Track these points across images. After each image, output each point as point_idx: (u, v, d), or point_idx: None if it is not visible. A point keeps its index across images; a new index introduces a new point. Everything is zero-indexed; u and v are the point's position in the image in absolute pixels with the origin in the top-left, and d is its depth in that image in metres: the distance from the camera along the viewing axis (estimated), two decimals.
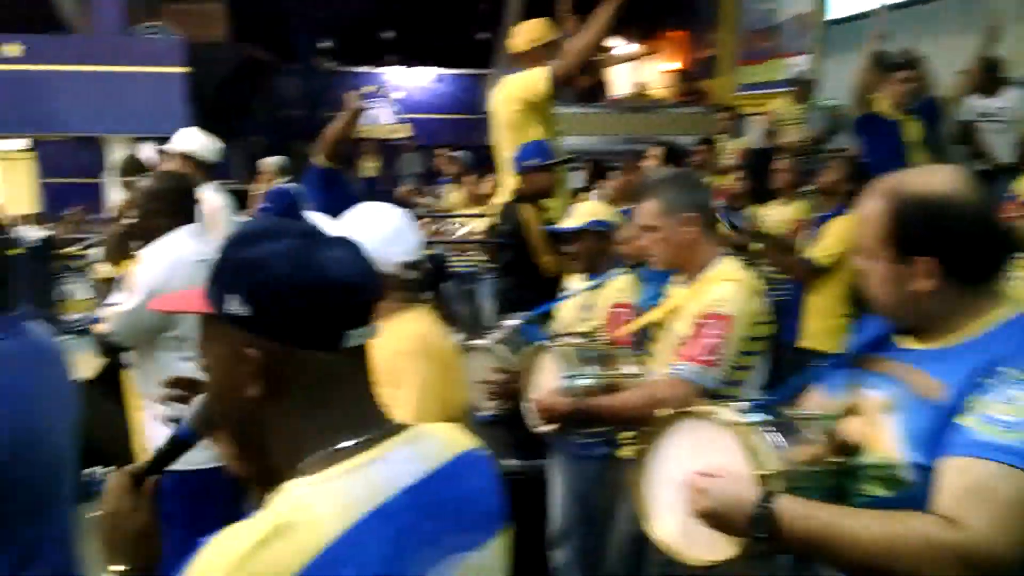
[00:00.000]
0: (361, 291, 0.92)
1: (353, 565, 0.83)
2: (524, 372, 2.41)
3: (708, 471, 1.37)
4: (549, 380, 2.30)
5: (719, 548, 1.40)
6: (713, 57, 11.52)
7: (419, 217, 6.51)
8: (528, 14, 4.20)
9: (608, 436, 2.89)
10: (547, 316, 3.01)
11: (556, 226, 3.29)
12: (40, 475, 1.78)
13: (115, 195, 10.41)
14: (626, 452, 4.23)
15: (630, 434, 2.29)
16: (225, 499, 2.69)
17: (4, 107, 9.98)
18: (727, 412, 1.47)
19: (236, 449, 1.00)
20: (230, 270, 0.90)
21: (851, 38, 8.29)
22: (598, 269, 2.98)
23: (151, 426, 2.68)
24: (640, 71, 14.53)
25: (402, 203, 9.87)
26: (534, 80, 3.86)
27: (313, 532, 0.83)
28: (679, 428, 1.55)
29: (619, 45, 14.94)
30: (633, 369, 2.30)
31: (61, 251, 10.37)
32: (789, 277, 4.39)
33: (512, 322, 2.89)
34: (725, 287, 2.12)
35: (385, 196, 12.45)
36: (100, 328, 2.53)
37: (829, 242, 4.19)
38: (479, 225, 5.99)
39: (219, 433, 1.03)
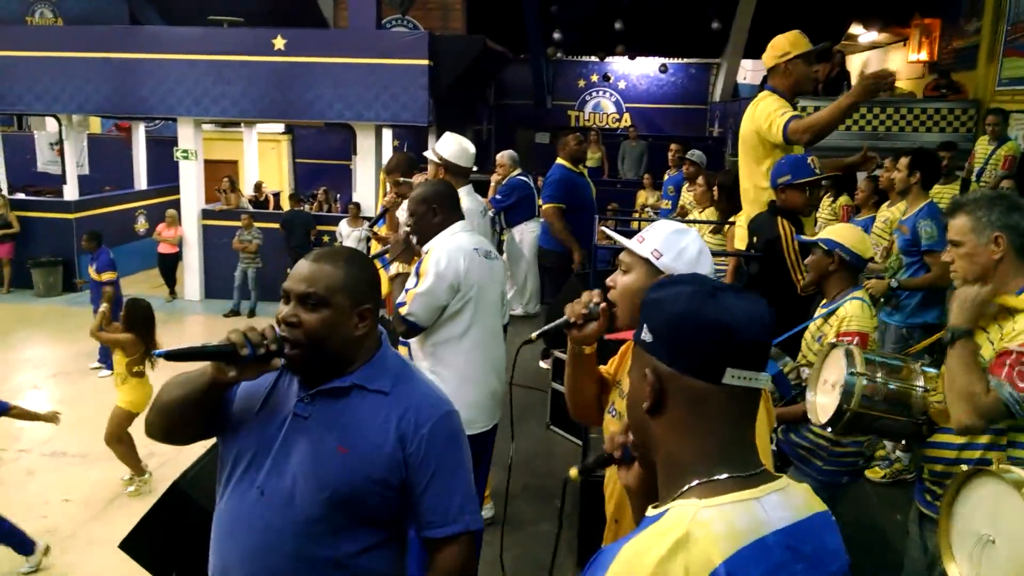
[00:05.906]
0: (738, 334, 1.04)
1: None
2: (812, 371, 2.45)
3: None
4: (834, 376, 2.31)
5: None
6: (969, 47, 10.54)
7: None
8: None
9: (853, 466, 2.84)
10: (785, 343, 2.97)
11: (800, 237, 3.29)
12: None
13: (364, 180, 11.29)
14: (875, 474, 4.09)
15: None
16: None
17: (266, 95, 11.09)
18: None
19: (642, 458, 1.20)
20: (646, 305, 1.12)
21: None
22: (829, 291, 2.93)
23: None
24: (886, 61, 13.60)
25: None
26: (769, 123, 3.71)
27: (709, 549, 0.96)
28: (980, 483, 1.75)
29: (863, 32, 14.06)
30: (921, 382, 2.24)
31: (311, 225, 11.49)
32: None
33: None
34: None
35: (609, 187, 12.49)
36: (402, 310, 2.93)
37: None
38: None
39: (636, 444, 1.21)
